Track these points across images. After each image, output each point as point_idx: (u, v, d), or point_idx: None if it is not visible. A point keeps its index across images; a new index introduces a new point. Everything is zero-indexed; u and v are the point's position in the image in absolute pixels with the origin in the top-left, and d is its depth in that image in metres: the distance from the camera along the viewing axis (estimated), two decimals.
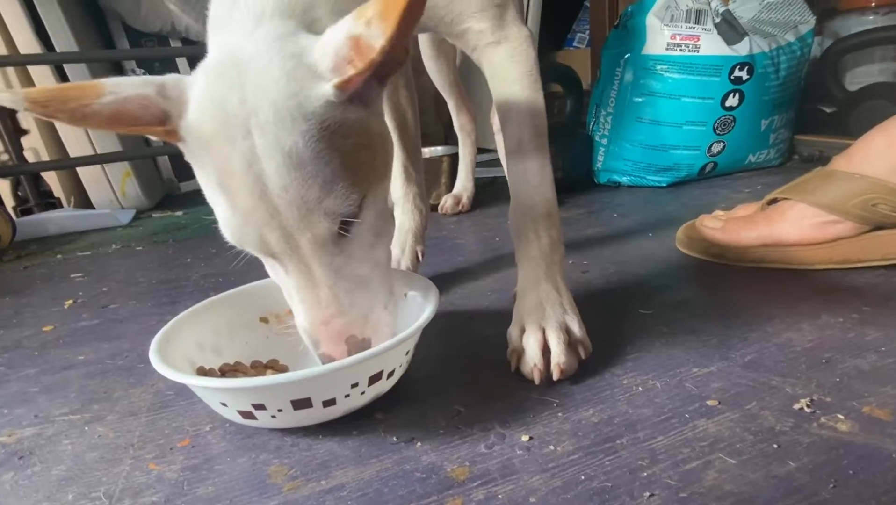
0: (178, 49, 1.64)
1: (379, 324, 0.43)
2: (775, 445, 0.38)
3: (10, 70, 1.38)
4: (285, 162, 0.36)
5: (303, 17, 0.41)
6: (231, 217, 0.38)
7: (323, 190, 0.37)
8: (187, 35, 1.66)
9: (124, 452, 0.45)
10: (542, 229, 0.55)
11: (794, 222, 0.67)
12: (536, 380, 0.47)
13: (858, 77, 1.48)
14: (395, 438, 0.43)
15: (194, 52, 1.58)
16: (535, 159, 0.55)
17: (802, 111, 1.35)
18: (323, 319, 0.41)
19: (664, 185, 1.22)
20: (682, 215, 0.99)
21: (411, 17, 0.33)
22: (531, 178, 0.55)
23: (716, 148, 1.20)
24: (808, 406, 0.42)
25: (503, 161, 1.23)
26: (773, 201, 0.71)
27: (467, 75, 1.29)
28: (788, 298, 0.61)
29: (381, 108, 0.43)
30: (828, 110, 1.45)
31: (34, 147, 1.45)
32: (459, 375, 0.52)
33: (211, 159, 0.38)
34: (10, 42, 1.37)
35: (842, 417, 0.40)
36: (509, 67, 0.55)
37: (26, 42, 1.37)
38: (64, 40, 1.41)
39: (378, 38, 0.34)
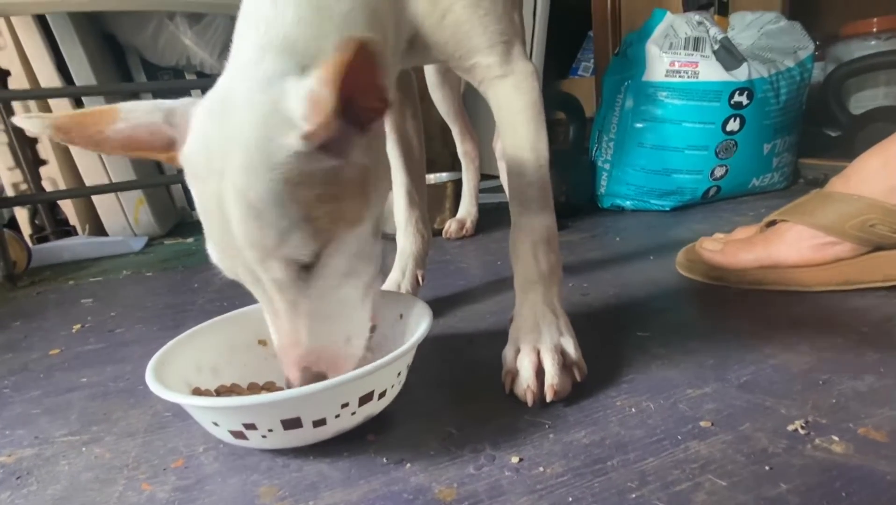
0: (192, 82, 1.70)
1: (336, 358, 0.43)
2: (767, 467, 0.37)
3: (32, 103, 1.43)
4: (247, 209, 0.38)
5: (303, 55, 0.42)
6: (210, 245, 0.42)
7: (279, 239, 0.38)
8: (202, 69, 1.72)
9: (119, 473, 0.45)
10: (542, 253, 0.55)
11: (792, 244, 0.67)
12: (529, 402, 0.47)
13: (863, 101, 1.49)
14: (385, 460, 0.43)
15: (208, 84, 1.64)
16: (536, 185, 0.56)
17: (807, 135, 1.35)
18: (283, 347, 0.43)
19: (668, 209, 1.23)
20: (684, 239, 0.98)
21: (356, 80, 0.34)
22: (531, 203, 0.56)
23: (718, 172, 1.20)
24: (802, 427, 0.41)
25: (505, 187, 1.24)
26: (772, 223, 0.71)
27: (471, 104, 1.31)
28: (786, 320, 0.60)
29: (361, 154, 0.42)
30: (833, 134, 1.45)
31: (52, 177, 1.50)
32: (453, 397, 0.52)
33: (195, 190, 0.41)
34: (31, 76, 1.43)
35: (836, 438, 0.40)
36: (514, 99, 0.57)
37: (48, 76, 1.43)
38: (83, 74, 1.46)
39: (327, 98, 0.35)
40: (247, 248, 0.39)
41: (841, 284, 0.65)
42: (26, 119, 0.41)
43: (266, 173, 0.37)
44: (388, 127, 0.78)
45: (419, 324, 0.51)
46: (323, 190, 0.39)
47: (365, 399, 0.44)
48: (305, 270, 0.41)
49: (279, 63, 0.41)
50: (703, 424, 0.43)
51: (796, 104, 1.22)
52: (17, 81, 1.42)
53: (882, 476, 0.36)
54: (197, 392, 0.51)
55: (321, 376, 0.42)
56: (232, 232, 0.39)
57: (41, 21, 1.42)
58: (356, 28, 0.46)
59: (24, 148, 1.46)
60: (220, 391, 0.53)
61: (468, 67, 0.58)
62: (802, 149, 1.34)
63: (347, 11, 0.45)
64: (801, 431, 0.41)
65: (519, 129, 0.57)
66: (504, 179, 1.24)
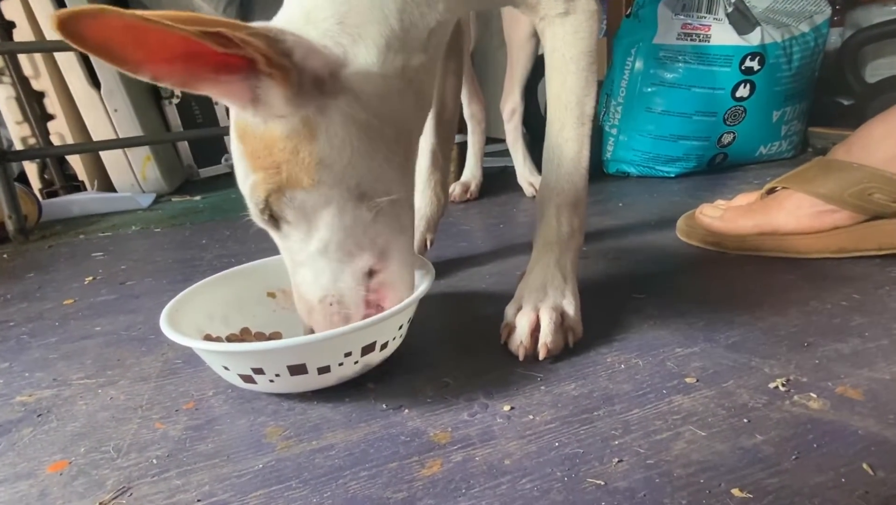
0: None
1: (317, 318, 0.48)
2: (745, 420, 0.40)
3: (38, 59, 1.43)
4: (234, 150, 0.45)
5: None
6: None
7: (243, 180, 0.45)
8: None
9: (133, 413, 0.48)
10: (565, 216, 0.56)
11: (791, 211, 0.68)
12: (521, 356, 0.49)
13: (879, 69, 1.46)
14: (384, 406, 0.45)
15: None
16: (573, 146, 0.56)
17: (819, 103, 1.33)
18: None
19: (673, 175, 1.22)
20: (687, 206, 0.99)
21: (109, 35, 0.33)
22: (565, 163, 0.56)
23: (726, 139, 1.19)
24: (783, 385, 0.43)
25: (512, 151, 1.24)
26: (773, 191, 0.71)
27: (479, 64, 1.30)
28: (780, 285, 0.62)
29: (290, 110, 0.41)
30: (845, 102, 1.43)
31: (60, 132, 1.50)
32: (451, 350, 0.54)
33: None
34: (36, 27, 1.42)
35: (814, 396, 0.42)
36: (571, 43, 0.55)
37: (53, 31, 1.42)
38: None
39: None
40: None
41: (836, 251, 0.66)
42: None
43: (234, 123, 0.44)
44: None
45: (421, 281, 0.52)
46: (256, 146, 0.42)
47: (367, 349, 0.46)
48: (275, 224, 0.46)
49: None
50: (688, 380, 0.45)
51: (809, 71, 1.20)
52: (21, 33, 1.41)
53: (854, 431, 0.38)
54: (208, 339, 0.53)
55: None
56: None
57: None
58: None
59: (32, 102, 1.46)
60: (231, 339, 0.55)
61: (534, 3, 0.55)
62: (813, 117, 1.32)
63: None
64: (782, 389, 0.43)
65: (568, 79, 0.56)
66: (510, 143, 1.24)
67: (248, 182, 0.44)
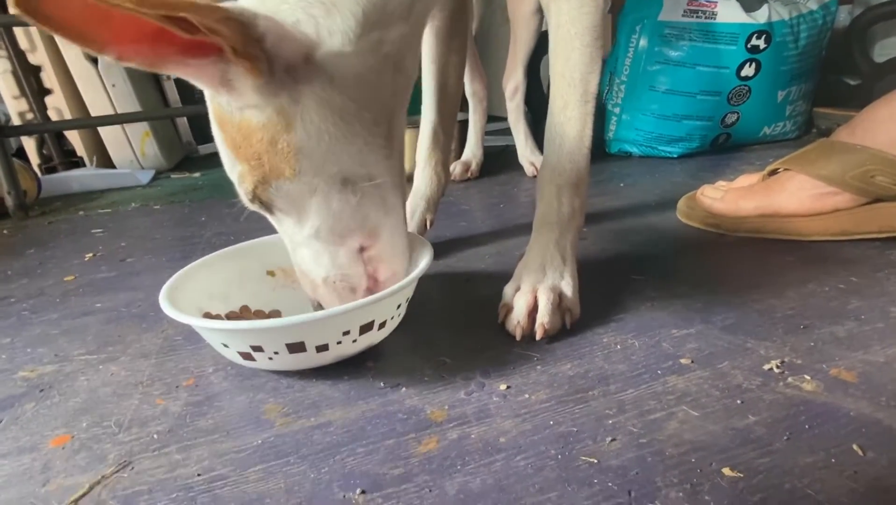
0: None
1: (321, 291, 0.48)
2: (739, 401, 0.40)
3: (34, 32, 1.41)
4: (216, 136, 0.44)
5: None
6: None
7: (231, 170, 0.44)
8: None
9: (134, 389, 0.48)
10: (566, 196, 0.56)
11: (793, 193, 0.67)
12: (518, 336, 0.50)
13: (888, 49, 1.43)
14: (382, 384, 0.46)
15: None
16: (576, 125, 0.55)
17: (824, 83, 1.32)
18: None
19: (675, 155, 1.22)
20: (688, 187, 0.98)
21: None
22: (567, 143, 0.55)
23: (730, 119, 1.18)
24: (777, 367, 0.43)
25: (513, 130, 1.23)
26: (774, 172, 0.71)
27: (481, 43, 1.28)
28: (778, 268, 0.62)
29: (260, 100, 0.40)
30: (852, 82, 1.41)
31: (57, 107, 1.49)
32: (450, 330, 0.54)
33: None
34: None
35: (808, 377, 0.42)
36: (576, 19, 0.54)
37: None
38: None
39: None
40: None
41: (837, 234, 0.66)
42: None
43: (211, 107, 0.43)
44: (428, 57, 0.75)
45: (419, 260, 0.52)
46: (234, 134, 0.42)
47: (365, 328, 0.46)
48: (268, 208, 0.45)
49: None
50: (683, 361, 0.45)
51: (816, 50, 1.18)
52: None
53: (846, 412, 0.38)
54: (208, 316, 0.53)
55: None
56: None
57: None
58: None
59: (29, 77, 1.44)
60: (230, 316, 0.56)
61: None
62: (819, 97, 1.31)
63: None
64: (776, 371, 0.43)
65: (572, 56, 0.54)
66: (512, 122, 1.23)
67: (235, 172, 0.44)
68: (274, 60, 0.39)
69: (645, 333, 0.50)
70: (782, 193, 0.68)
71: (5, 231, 1.08)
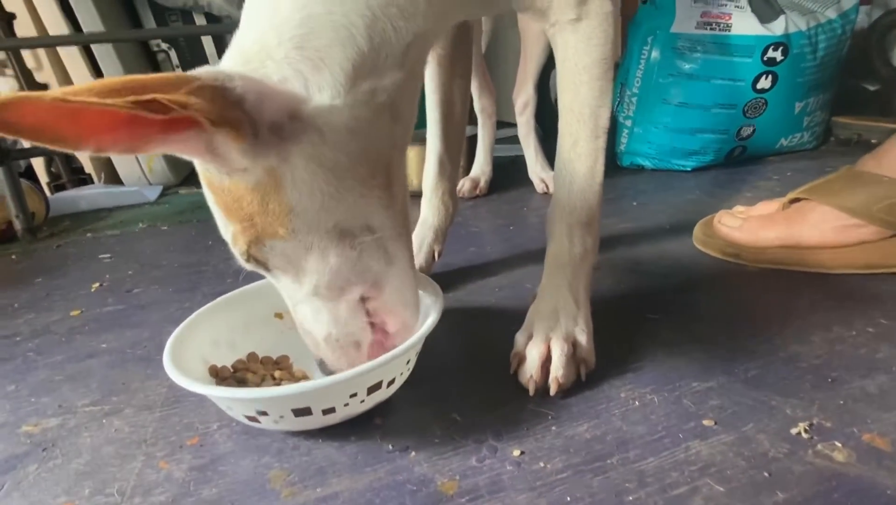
0: (202, 27, 1.64)
1: (325, 351, 0.46)
2: (766, 473, 0.38)
3: (41, 52, 1.41)
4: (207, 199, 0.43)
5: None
6: None
7: (224, 231, 0.43)
8: (210, 10, 1.66)
9: (137, 448, 0.47)
10: (577, 236, 0.54)
11: (815, 225, 0.65)
12: (531, 391, 0.48)
13: None
14: (390, 446, 0.44)
15: (218, 30, 1.58)
16: (586, 161, 0.53)
17: (843, 89, 1.28)
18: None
19: (689, 169, 1.19)
20: (704, 205, 0.96)
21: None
22: (578, 180, 0.54)
23: (745, 131, 1.15)
24: (805, 431, 0.41)
25: (523, 145, 1.21)
26: (795, 201, 0.68)
27: (489, 55, 1.26)
28: (802, 305, 0.59)
29: (246, 162, 0.38)
30: (871, 88, 1.37)
31: None
32: (459, 380, 0.53)
33: None
34: (37, 18, 1.39)
35: (839, 444, 0.40)
36: (584, 52, 0.52)
37: (52, 19, 1.39)
38: (89, 16, 1.42)
39: None
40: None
41: (863, 267, 0.63)
42: None
43: (200, 172, 0.42)
44: (431, 86, 0.73)
45: (429, 310, 0.50)
46: (225, 199, 0.40)
47: (373, 389, 0.45)
48: (266, 268, 0.44)
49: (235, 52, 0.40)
50: (705, 422, 0.43)
51: (834, 60, 1.15)
52: (22, 24, 1.38)
53: (883, 489, 0.36)
54: (214, 370, 0.52)
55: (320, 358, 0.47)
56: None
57: None
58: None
59: None
60: (237, 366, 0.54)
61: (544, 7, 0.51)
62: (836, 105, 1.27)
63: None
64: (805, 435, 0.41)
65: (581, 90, 0.53)
66: (522, 136, 1.20)
67: (228, 233, 0.42)
68: (257, 121, 0.37)
69: (664, 387, 0.48)
70: (804, 224, 0.65)
71: (13, 256, 1.07)
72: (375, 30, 0.40)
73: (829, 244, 0.64)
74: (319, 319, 0.45)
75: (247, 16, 0.42)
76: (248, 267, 0.44)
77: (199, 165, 0.40)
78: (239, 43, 0.40)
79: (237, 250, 0.42)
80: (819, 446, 0.40)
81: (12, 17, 1.38)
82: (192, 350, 0.51)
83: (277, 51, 0.38)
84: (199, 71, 0.35)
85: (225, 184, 0.39)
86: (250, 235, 0.41)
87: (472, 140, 1.24)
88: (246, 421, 0.46)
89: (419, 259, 0.74)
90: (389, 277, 0.46)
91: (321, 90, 0.39)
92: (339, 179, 0.41)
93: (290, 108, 0.38)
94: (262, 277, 0.54)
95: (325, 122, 0.39)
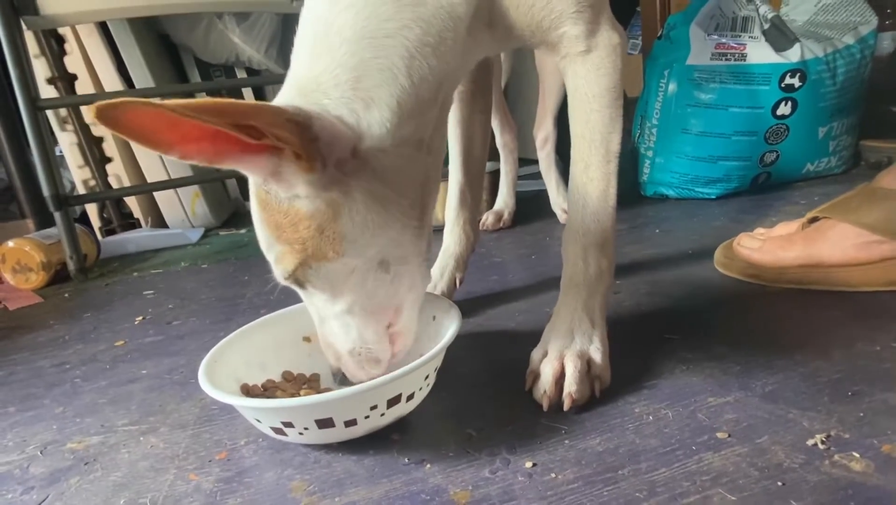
0: (243, 80, 1.77)
1: (347, 362, 0.49)
2: (780, 483, 0.38)
3: None
4: (255, 215, 0.46)
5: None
6: None
7: (267, 250, 0.46)
8: (250, 65, 1.78)
9: (170, 463, 0.50)
10: (592, 257, 0.55)
11: (836, 243, 0.64)
12: (545, 406, 0.49)
13: None
14: (406, 460, 0.45)
15: (257, 82, 1.70)
16: (599, 185, 0.55)
17: (870, 114, 1.27)
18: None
19: (714, 196, 1.19)
20: (728, 231, 0.95)
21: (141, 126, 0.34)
22: (591, 203, 0.55)
23: (768, 158, 1.15)
24: (822, 442, 0.41)
25: (545, 179, 1.23)
26: (814, 220, 0.68)
27: (512, 83, 1.30)
28: (823, 323, 0.59)
29: (312, 191, 0.42)
30: None
31: (117, 173, 1.60)
32: (476, 398, 0.54)
33: None
34: (95, 78, 1.53)
35: (857, 455, 0.39)
36: (593, 82, 0.54)
37: (109, 78, 1.52)
38: (142, 75, 1.55)
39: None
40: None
41: (886, 284, 0.62)
42: None
43: (251, 191, 0.45)
44: (453, 120, 0.76)
45: (448, 328, 0.52)
46: (279, 219, 0.43)
47: (393, 402, 0.47)
48: (301, 284, 0.46)
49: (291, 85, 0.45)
50: (719, 435, 0.43)
51: (856, 84, 1.14)
52: (83, 85, 1.52)
53: None
54: (245, 387, 0.55)
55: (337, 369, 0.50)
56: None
57: (102, 26, 1.51)
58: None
59: (92, 147, 1.56)
60: (267, 386, 0.57)
61: (555, 40, 0.53)
62: (864, 130, 1.25)
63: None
64: (821, 446, 0.40)
65: (592, 118, 0.55)
66: (543, 170, 1.23)
67: (273, 252, 0.45)
68: (327, 158, 0.41)
69: (679, 402, 0.48)
70: (825, 243, 0.65)
71: (66, 294, 1.15)
72: (413, 69, 0.45)
73: (850, 262, 0.63)
74: (348, 334, 0.48)
75: (301, 59, 0.45)
76: (284, 283, 0.47)
77: (256, 185, 0.44)
78: (296, 82, 0.44)
79: (280, 269, 0.45)
80: (836, 457, 0.39)
81: (74, 77, 1.52)
82: (225, 370, 0.54)
83: (333, 91, 0.43)
84: (283, 105, 0.39)
85: (283, 206, 0.43)
86: (299, 257, 0.44)
87: (495, 175, 1.27)
88: (273, 434, 0.48)
89: (441, 286, 0.76)
90: (408, 302, 0.50)
91: (371, 128, 0.43)
92: (387, 211, 0.45)
93: (352, 145, 0.43)
94: (293, 301, 0.58)
95: (377, 159, 0.44)
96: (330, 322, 0.49)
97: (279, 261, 0.45)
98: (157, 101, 0.33)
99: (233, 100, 0.35)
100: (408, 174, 0.46)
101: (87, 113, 0.38)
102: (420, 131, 0.46)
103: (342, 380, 0.51)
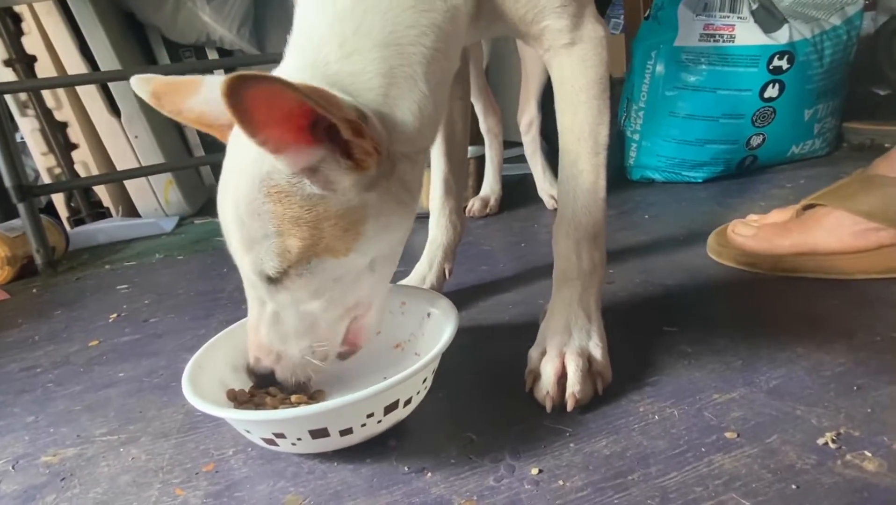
0: (215, 62, 1.69)
1: (288, 363, 0.47)
2: (794, 486, 0.37)
3: (60, 91, 1.45)
4: (233, 205, 0.42)
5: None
6: None
7: (250, 242, 0.42)
8: (222, 45, 1.71)
9: (154, 476, 0.47)
10: (585, 251, 0.54)
11: (831, 230, 0.64)
12: (548, 408, 0.47)
13: None
14: (406, 468, 0.44)
15: (230, 63, 1.63)
16: (589, 177, 0.54)
17: (852, 95, 1.27)
18: (249, 331, 0.48)
19: (700, 180, 1.18)
20: (717, 215, 0.95)
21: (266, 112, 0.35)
22: (581, 195, 0.54)
23: (755, 141, 1.14)
24: (833, 441, 0.40)
25: (531, 164, 1.21)
26: (809, 207, 0.67)
27: (492, 75, 1.27)
28: (823, 313, 0.58)
29: (354, 191, 0.42)
30: (881, 93, 1.36)
31: (84, 161, 1.53)
32: (474, 399, 0.52)
33: None
34: (56, 59, 1.44)
35: (869, 454, 0.38)
36: (579, 74, 0.54)
37: (72, 59, 1.44)
38: (106, 56, 1.47)
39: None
40: (229, 237, 0.44)
41: (883, 271, 0.62)
42: (136, 80, 0.48)
43: (251, 179, 0.41)
44: None
45: (445, 328, 0.50)
46: (299, 213, 0.41)
47: (390, 408, 0.44)
48: (274, 278, 0.43)
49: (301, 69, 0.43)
50: (728, 435, 0.42)
51: (842, 65, 1.14)
52: (43, 66, 1.43)
53: None
54: (231, 393, 0.52)
55: (271, 371, 0.47)
56: (226, 218, 0.43)
57: (62, 3, 1.42)
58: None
59: (56, 133, 1.49)
60: (254, 392, 0.54)
61: (538, 33, 0.53)
62: (847, 111, 1.26)
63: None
64: (832, 445, 0.40)
65: (579, 110, 0.54)
66: (529, 155, 1.21)
67: (270, 245, 0.41)
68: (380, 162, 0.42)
69: (684, 400, 0.47)
70: (820, 230, 0.64)
71: (34, 290, 1.10)
72: (430, 73, 0.45)
73: (846, 249, 0.63)
74: (309, 332, 0.46)
75: (324, 52, 0.43)
76: (255, 277, 0.43)
77: (274, 177, 0.40)
78: (325, 77, 0.42)
79: (277, 262, 0.42)
80: (848, 456, 0.39)
81: (33, 59, 1.44)
82: (210, 374, 0.51)
83: (368, 93, 0.42)
84: (347, 102, 0.39)
85: (311, 202, 0.41)
86: (306, 252, 0.42)
87: (481, 161, 1.25)
88: (263, 444, 0.46)
89: (430, 278, 0.74)
90: (379, 296, 0.50)
91: (400, 131, 0.44)
92: (403, 215, 0.46)
93: (388, 149, 0.43)
94: None
95: (401, 162, 0.44)
96: (287, 318, 0.46)
97: (280, 254, 0.42)
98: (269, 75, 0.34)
99: (328, 90, 0.37)
100: (419, 178, 0.47)
101: (221, 88, 0.35)
102: (434, 134, 0.48)
103: (258, 383, 0.48)
